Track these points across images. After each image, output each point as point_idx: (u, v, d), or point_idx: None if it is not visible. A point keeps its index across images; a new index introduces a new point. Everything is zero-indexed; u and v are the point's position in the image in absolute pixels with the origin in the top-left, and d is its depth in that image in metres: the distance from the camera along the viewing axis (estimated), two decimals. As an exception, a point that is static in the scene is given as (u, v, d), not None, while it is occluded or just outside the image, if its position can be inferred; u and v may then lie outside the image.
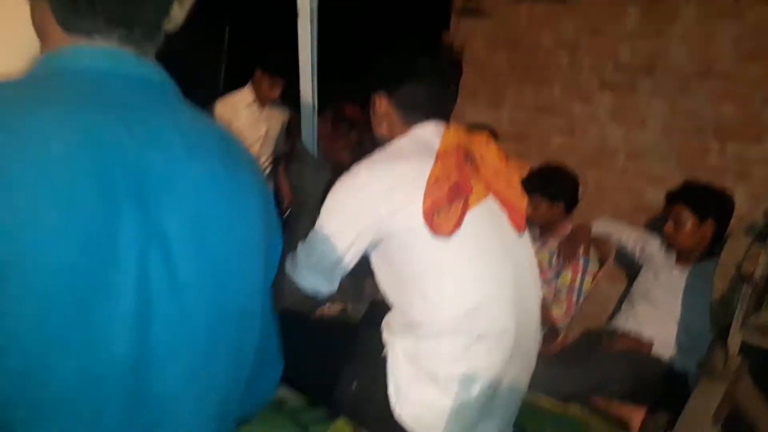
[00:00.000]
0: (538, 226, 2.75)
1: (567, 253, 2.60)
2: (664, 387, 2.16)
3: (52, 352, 0.55)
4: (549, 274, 2.65)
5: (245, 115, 3.15)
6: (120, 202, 0.58)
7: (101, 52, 0.65)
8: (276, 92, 3.06)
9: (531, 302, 1.35)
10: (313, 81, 1.35)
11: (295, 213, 2.03)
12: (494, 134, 3.12)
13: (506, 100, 3.51)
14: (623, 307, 2.59)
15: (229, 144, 0.72)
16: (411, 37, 1.46)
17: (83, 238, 0.55)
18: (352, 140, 3.41)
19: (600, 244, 2.75)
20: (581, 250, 2.59)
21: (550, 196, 2.62)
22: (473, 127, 3.12)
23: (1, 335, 0.53)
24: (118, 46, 0.66)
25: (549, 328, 2.57)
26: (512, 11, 3.57)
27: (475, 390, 1.22)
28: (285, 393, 1.41)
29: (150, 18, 0.67)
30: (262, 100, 3.14)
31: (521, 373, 1.32)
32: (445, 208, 1.23)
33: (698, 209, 2.33)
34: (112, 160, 0.58)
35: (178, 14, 0.70)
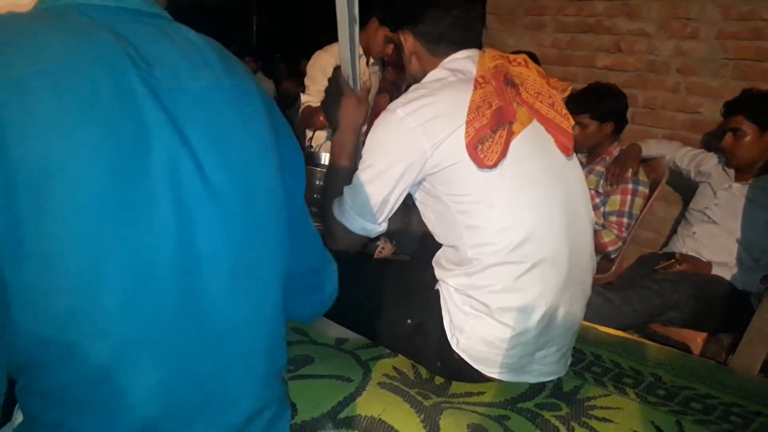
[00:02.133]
0: (585, 150, 2.67)
1: (615, 176, 2.51)
2: (726, 308, 2.10)
3: (102, 264, 0.57)
4: (597, 199, 2.57)
5: None
6: (145, 114, 0.60)
7: None
8: None
9: (583, 227, 1.31)
10: (352, 26, 1.31)
11: (336, 149, 2.00)
12: (536, 61, 3.00)
13: (546, 21, 3.35)
14: (679, 228, 2.51)
15: (227, 57, 0.74)
16: None
17: (115, 147, 0.57)
18: (388, 78, 3.34)
19: (652, 166, 2.64)
20: (630, 173, 2.50)
21: (599, 116, 2.52)
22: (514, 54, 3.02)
23: (52, 248, 0.55)
24: None
25: (602, 256, 2.52)
26: None
27: (531, 319, 1.20)
28: (345, 332, 1.43)
29: None
30: None
31: (577, 300, 1.30)
32: (489, 138, 1.19)
33: (758, 119, 2.19)
34: (129, 76, 0.60)
35: None
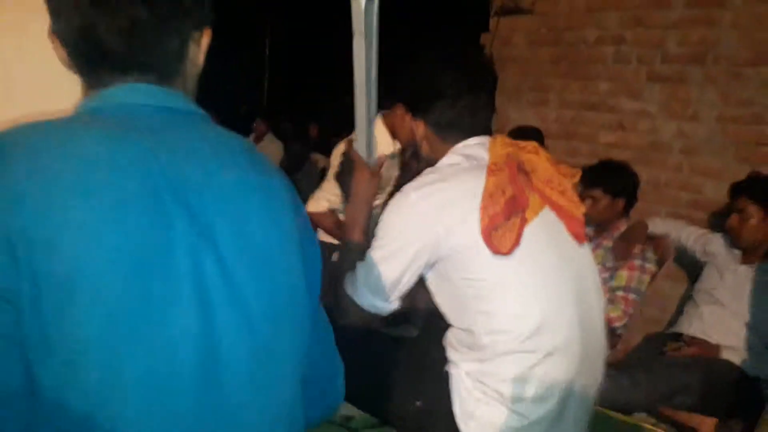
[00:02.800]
0: (593, 225, 2.69)
1: (622, 251, 2.52)
2: (736, 394, 2.07)
3: (123, 362, 0.58)
4: (605, 274, 2.58)
5: None
6: (170, 213, 0.62)
7: (137, 87, 0.70)
8: None
9: (595, 316, 1.31)
10: (369, 92, 1.35)
11: (350, 223, 2.03)
12: (541, 135, 3.07)
13: (551, 97, 3.45)
14: (686, 308, 2.50)
15: (254, 155, 0.77)
16: (435, 49, 1.42)
17: (140, 249, 0.59)
18: (414, 168, 3.41)
19: (658, 243, 2.66)
20: (637, 249, 2.52)
21: (613, 191, 2.55)
22: (519, 129, 3.09)
23: (75, 347, 0.56)
24: (143, 83, 0.71)
25: (608, 331, 2.50)
26: (553, 6, 3.50)
27: (544, 407, 1.19)
28: (351, 410, 1.41)
29: (163, 64, 0.72)
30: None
31: (589, 386, 1.28)
32: (502, 225, 1.21)
33: (764, 202, 2.23)
34: (156, 175, 0.63)
35: (197, 56, 0.76)
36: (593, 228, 2.71)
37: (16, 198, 0.56)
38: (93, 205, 0.58)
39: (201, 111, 0.75)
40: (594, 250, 2.60)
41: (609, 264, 2.57)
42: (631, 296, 2.47)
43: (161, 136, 0.66)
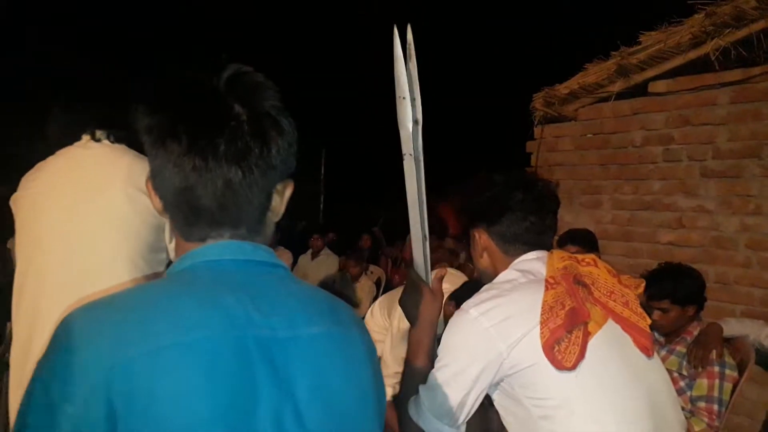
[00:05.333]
0: (661, 331, 2.57)
1: (699, 358, 2.38)
2: None
3: None
4: (681, 383, 2.42)
5: None
6: (256, 372, 0.65)
7: (226, 245, 0.74)
8: None
9: (674, 430, 1.23)
10: (421, 210, 1.39)
11: (413, 346, 2.02)
12: (592, 237, 3.03)
13: (604, 199, 3.45)
14: (777, 415, 2.31)
15: (337, 306, 0.79)
16: (504, 170, 1.48)
17: (228, 413, 0.62)
18: (447, 246, 3.43)
19: (736, 347, 2.51)
20: (714, 354, 2.37)
21: (680, 300, 2.44)
22: (570, 232, 3.08)
23: None
24: (233, 239, 0.75)
25: (693, 447, 2.31)
26: (596, 111, 3.59)
27: None
28: None
29: (254, 219, 0.76)
30: None
31: None
32: (565, 339, 1.19)
33: None
34: (245, 334, 0.66)
35: (280, 206, 0.79)
36: (663, 334, 2.59)
37: (125, 364, 0.60)
38: (188, 375, 0.61)
39: (283, 264, 0.80)
40: (666, 357, 2.47)
41: (685, 372, 2.43)
42: (715, 407, 2.30)
43: (250, 291, 0.70)
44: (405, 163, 1.26)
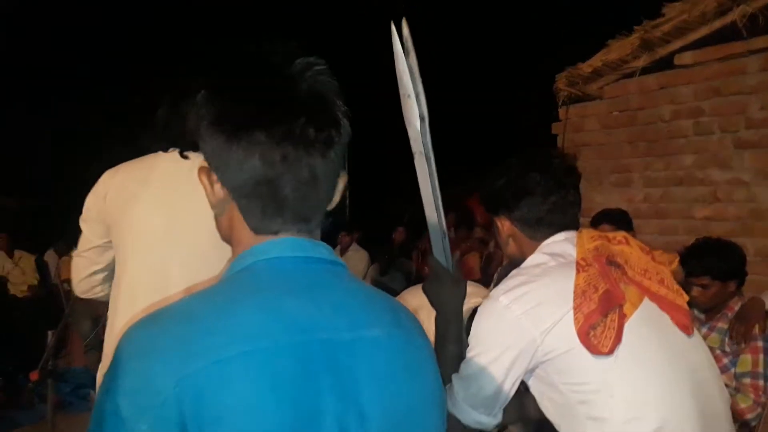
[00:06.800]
0: (702, 308, 2.51)
1: (741, 334, 2.32)
2: None
3: None
4: (725, 360, 2.37)
5: None
6: (320, 381, 0.64)
7: (287, 242, 0.72)
8: None
9: (719, 407, 1.20)
10: (437, 203, 1.38)
11: (440, 335, 2.01)
12: (627, 217, 2.98)
13: (635, 177, 3.38)
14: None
15: (396, 308, 0.78)
16: (519, 153, 1.45)
17: (294, 420, 0.61)
18: (476, 236, 3.41)
19: (780, 320, 2.44)
20: (757, 329, 2.31)
21: (721, 275, 2.37)
22: (603, 213, 3.03)
23: None
24: (297, 236, 0.73)
25: (740, 424, 2.26)
26: (622, 88, 3.51)
27: None
28: None
29: (322, 210, 0.75)
30: None
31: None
32: (600, 323, 1.16)
33: None
34: (310, 338, 0.65)
35: (336, 198, 0.77)
36: (703, 311, 2.53)
37: (192, 377, 0.59)
38: (253, 386, 0.60)
39: (342, 262, 0.76)
40: (708, 334, 2.41)
41: (727, 349, 2.37)
42: (761, 382, 2.24)
43: (311, 291, 0.69)
44: (416, 161, 1.24)
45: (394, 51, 1.09)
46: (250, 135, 0.67)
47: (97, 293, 1.62)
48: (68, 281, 2.53)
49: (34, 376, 2.50)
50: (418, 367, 0.74)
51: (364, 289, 0.77)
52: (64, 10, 8.44)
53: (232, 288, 0.69)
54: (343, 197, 0.82)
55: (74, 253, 1.63)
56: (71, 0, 8.51)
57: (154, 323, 0.64)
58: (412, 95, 1.12)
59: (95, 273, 1.57)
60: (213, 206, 0.75)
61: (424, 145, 1.22)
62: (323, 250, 0.74)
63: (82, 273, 1.58)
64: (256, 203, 0.70)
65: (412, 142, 1.22)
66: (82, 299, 1.74)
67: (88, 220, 1.52)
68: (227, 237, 0.77)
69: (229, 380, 0.60)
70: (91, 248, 1.54)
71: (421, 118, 1.15)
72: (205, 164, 0.73)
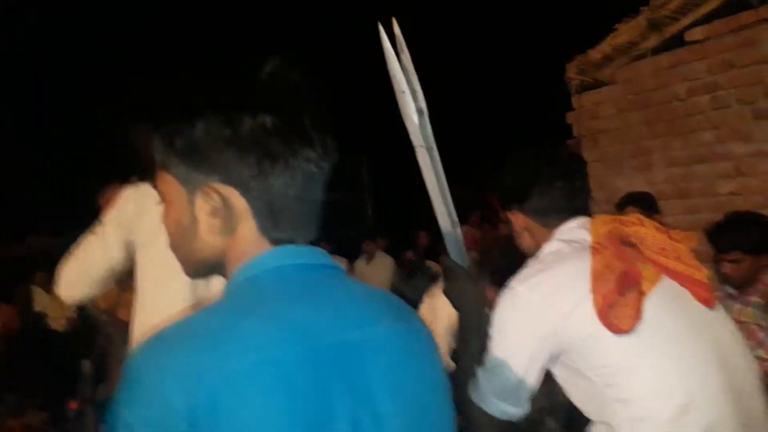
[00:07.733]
0: (734, 284, 2.46)
1: (777, 306, 2.27)
2: None
3: None
4: (760, 334, 2.31)
5: None
6: (331, 385, 0.65)
7: (288, 250, 0.74)
8: None
9: (748, 382, 1.18)
10: (445, 198, 1.39)
11: (463, 331, 2.02)
12: (651, 198, 2.94)
13: (655, 159, 3.33)
14: None
15: (396, 302, 0.80)
16: (525, 146, 1.48)
17: (306, 424, 0.62)
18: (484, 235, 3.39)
19: (815, 290, 2.37)
20: (793, 300, 2.25)
21: (753, 249, 2.32)
22: (629, 196, 2.99)
23: None
24: (297, 243, 0.75)
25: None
26: (634, 71, 3.48)
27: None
28: None
29: (318, 216, 0.78)
30: None
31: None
32: (619, 302, 1.16)
33: None
34: (317, 344, 0.66)
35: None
36: (736, 287, 2.48)
37: (204, 392, 0.60)
38: (264, 397, 0.61)
39: (339, 265, 0.79)
40: (742, 309, 2.36)
41: (763, 323, 2.31)
42: (800, 353, 2.18)
43: (313, 297, 0.70)
44: (418, 155, 1.26)
45: (384, 50, 1.12)
46: (269, 152, 0.70)
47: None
48: (106, 311, 2.61)
49: (73, 405, 2.55)
50: (425, 360, 0.76)
51: (363, 288, 0.78)
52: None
53: (238, 300, 0.71)
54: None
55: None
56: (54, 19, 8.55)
57: (164, 339, 0.65)
58: (407, 91, 1.14)
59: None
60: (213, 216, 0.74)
61: (425, 138, 1.24)
62: (320, 255, 0.77)
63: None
64: (268, 216, 0.73)
65: (411, 137, 1.24)
66: (120, 328, 1.80)
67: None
68: (215, 252, 0.76)
69: (242, 392, 0.60)
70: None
71: (420, 112, 1.17)
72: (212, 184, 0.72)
